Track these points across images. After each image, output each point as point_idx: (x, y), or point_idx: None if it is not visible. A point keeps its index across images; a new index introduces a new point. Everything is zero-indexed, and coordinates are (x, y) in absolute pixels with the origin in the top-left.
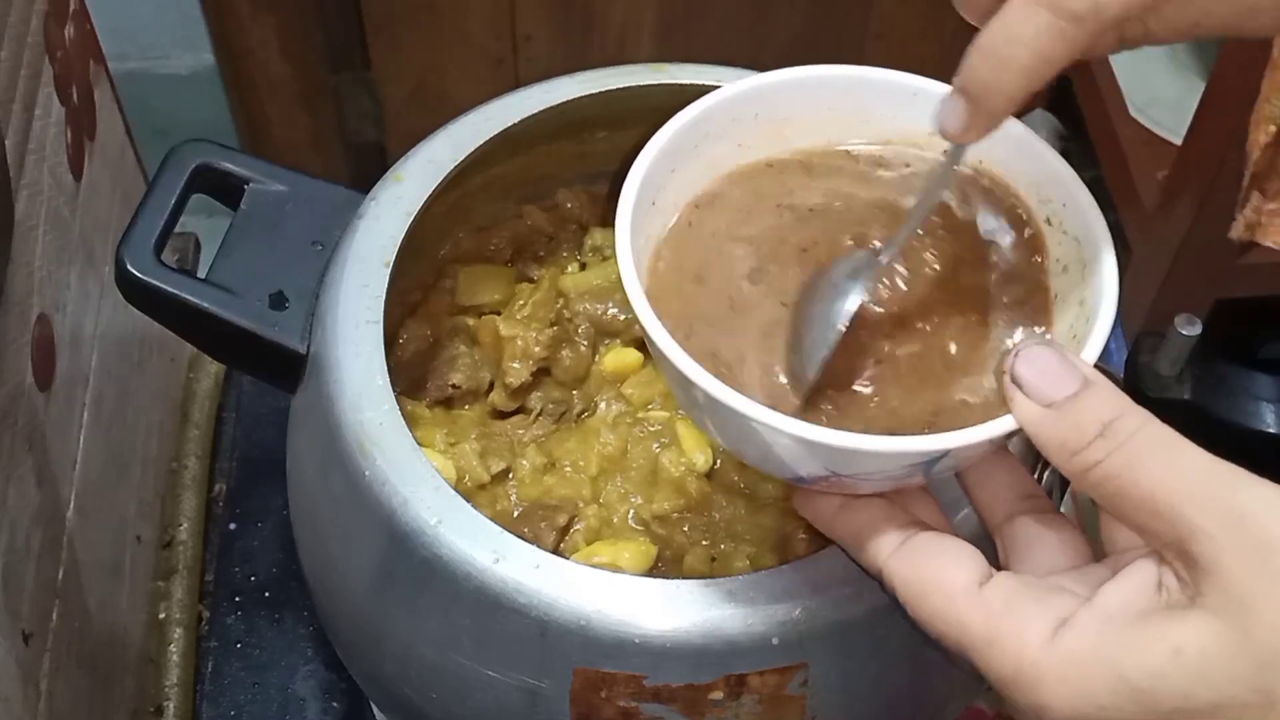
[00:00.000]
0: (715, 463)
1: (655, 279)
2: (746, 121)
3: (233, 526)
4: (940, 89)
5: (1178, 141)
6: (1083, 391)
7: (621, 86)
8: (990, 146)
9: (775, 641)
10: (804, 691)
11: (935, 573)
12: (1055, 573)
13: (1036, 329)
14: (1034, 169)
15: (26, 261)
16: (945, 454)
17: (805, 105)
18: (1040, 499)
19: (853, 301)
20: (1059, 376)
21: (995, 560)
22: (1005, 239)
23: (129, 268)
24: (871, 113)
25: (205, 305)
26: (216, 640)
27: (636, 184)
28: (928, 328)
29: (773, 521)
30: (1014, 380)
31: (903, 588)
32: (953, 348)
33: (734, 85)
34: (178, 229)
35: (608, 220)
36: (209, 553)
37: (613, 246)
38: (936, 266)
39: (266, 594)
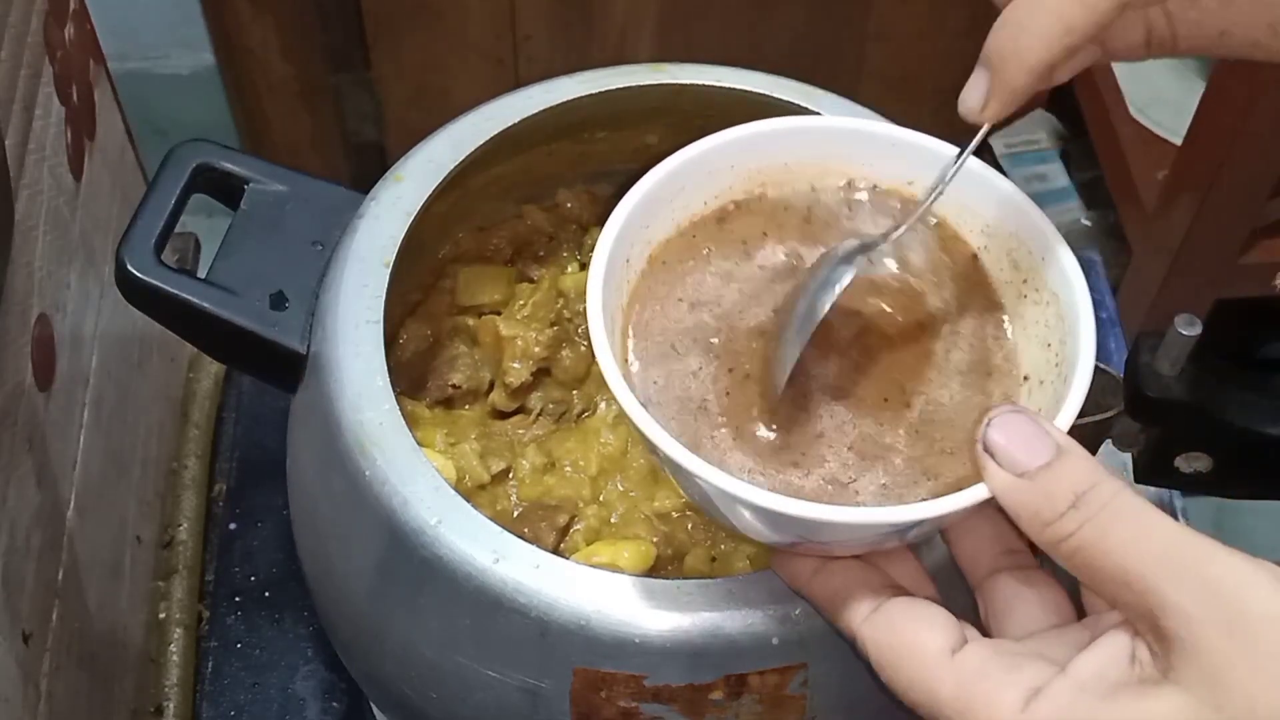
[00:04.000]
0: None
1: (631, 340)
2: (722, 175)
3: (233, 526)
4: (920, 139)
5: (1178, 141)
6: (1056, 461)
7: (621, 86)
8: (966, 193)
9: (775, 641)
10: (804, 691)
11: (908, 639)
12: (1035, 632)
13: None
14: (1014, 220)
15: (26, 261)
16: (917, 524)
17: (780, 158)
18: (1023, 554)
19: (841, 284)
20: (1032, 445)
21: (977, 617)
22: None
23: (129, 268)
24: (850, 162)
25: (205, 305)
26: (216, 640)
27: (610, 243)
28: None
29: None
30: (986, 448)
31: (876, 654)
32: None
33: (709, 139)
34: (178, 229)
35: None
36: (209, 553)
37: None
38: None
39: (266, 594)
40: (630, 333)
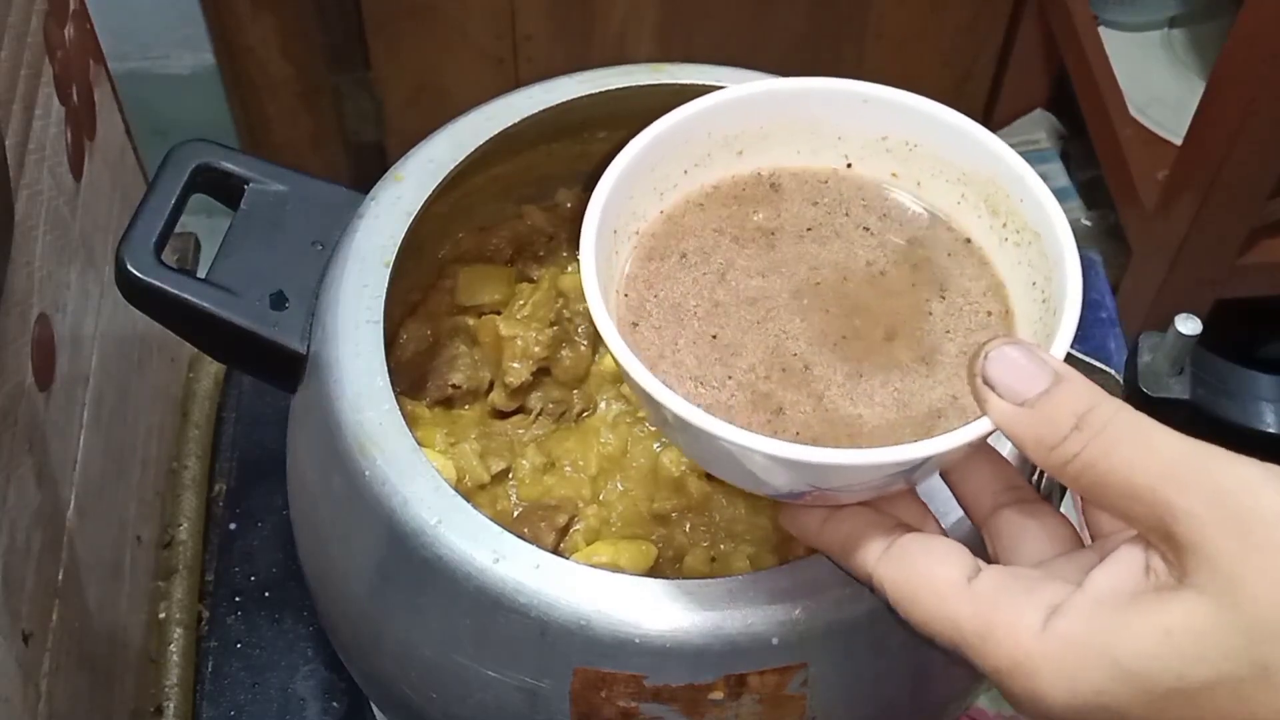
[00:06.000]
0: None
1: (624, 304)
2: (700, 142)
3: (233, 526)
4: (889, 93)
5: (1178, 141)
6: (1054, 387)
7: (621, 86)
8: (939, 144)
9: (775, 641)
10: (804, 691)
11: (923, 572)
12: (1044, 561)
13: (995, 326)
14: (989, 166)
15: (26, 261)
16: (924, 461)
17: (755, 121)
18: (1024, 489)
19: None
20: (1030, 374)
21: (985, 555)
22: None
23: (129, 268)
24: (821, 123)
25: (205, 305)
26: (216, 640)
27: (599, 210)
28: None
29: (773, 521)
30: (985, 381)
31: (893, 591)
32: (906, 348)
33: (685, 108)
34: (178, 229)
35: None
36: (209, 553)
37: None
38: (878, 264)
39: (266, 594)
40: (626, 297)
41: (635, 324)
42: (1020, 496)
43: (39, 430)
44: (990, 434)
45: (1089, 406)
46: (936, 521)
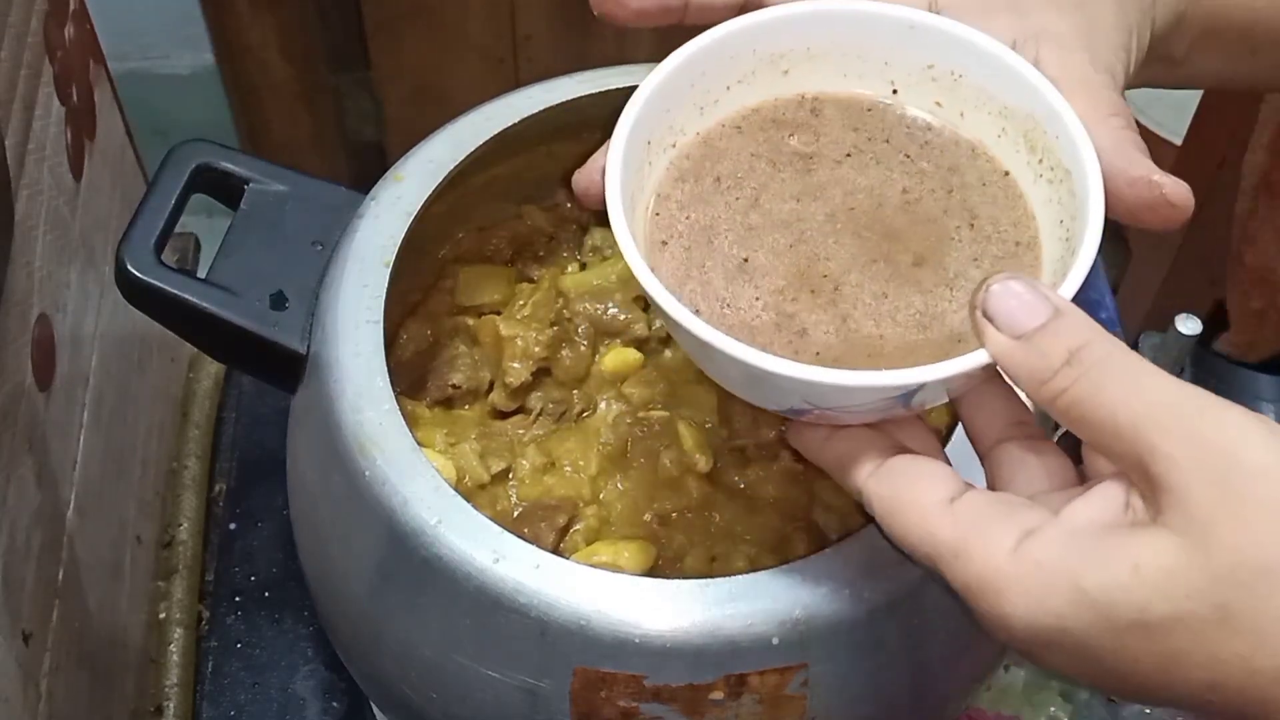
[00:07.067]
0: (715, 463)
1: (654, 222)
2: (744, 58)
3: (233, 526)
4: (937, 21)
5: (1178, 141)
6: (1052, 321)
7: (621, 86)
8: (984, 75)
9: (775, 641)
10: (804, 691)
11: (909, 489)
12: (1037, 494)
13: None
14: (1029, 100)
15: (26, 261)
16: (920, 387)
17: (801, 41)
18: (1030, 425)
19: None
20: (1029, 307)
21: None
22: (984, 165)
23: (129, 268)
24: (868, 48)
25: (205, 305)
26: (216, 640)
27: (630, 120)
28: (906, 247)
29: (773, 522)
30: (985, 313)
31: (879, 505)
32: (928, 273)
33: (731, 23)
34: (178, 229)
35: (608, 220)
36: (209, 553)
37: (613, 246)
38: (910, 185)
39: (266, 594)
40: (657, 216)
41: (664, 242)
42: (1026, 433)
43: (39, 430)
44: (984, 366)
45: (1083, 343)
46: (942, 451)
